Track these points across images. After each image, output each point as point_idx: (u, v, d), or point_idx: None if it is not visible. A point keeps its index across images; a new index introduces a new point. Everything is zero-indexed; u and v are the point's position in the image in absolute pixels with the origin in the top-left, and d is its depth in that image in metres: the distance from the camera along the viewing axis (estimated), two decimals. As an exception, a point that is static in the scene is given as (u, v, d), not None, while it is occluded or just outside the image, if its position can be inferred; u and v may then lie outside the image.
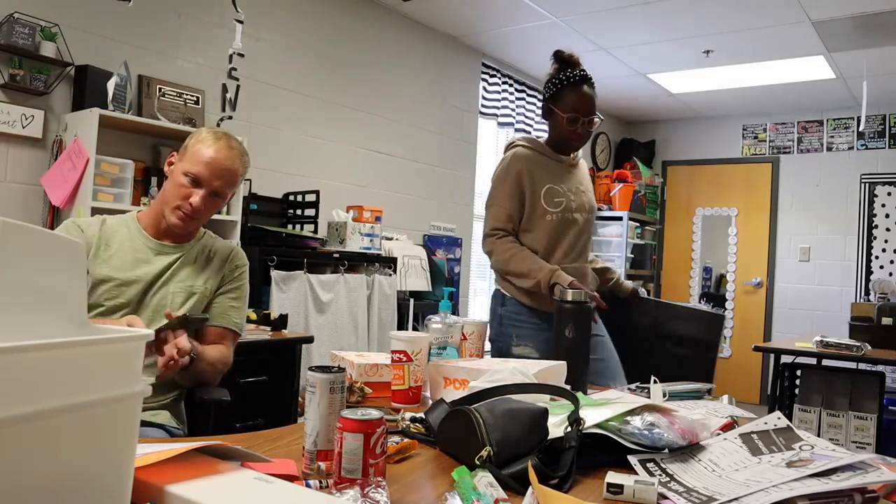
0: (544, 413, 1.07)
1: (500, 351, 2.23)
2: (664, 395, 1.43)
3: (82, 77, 2.89)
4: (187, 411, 1.73)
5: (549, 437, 1.05)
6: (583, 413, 1.08)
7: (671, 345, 2.31)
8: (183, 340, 1.41)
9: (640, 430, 1.07)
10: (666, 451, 1.06)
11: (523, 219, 2.21)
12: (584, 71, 2.22)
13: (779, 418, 1.15)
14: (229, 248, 1.78)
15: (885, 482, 0.89)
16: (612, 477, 0.94)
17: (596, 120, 2.22)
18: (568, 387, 1.53)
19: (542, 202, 2.18)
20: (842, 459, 0.94)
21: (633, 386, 1.70)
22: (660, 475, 0.99)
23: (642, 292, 2.47)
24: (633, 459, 1.03)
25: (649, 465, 1.03)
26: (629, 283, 2.46)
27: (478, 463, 0.96)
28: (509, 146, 2.32)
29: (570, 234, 2.22)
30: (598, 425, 1.08)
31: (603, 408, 1.15)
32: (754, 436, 1.12)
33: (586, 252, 2.32)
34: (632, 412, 1.10)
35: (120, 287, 1.58)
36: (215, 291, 1.72)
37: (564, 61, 2.24)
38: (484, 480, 0.90)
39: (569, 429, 1.05)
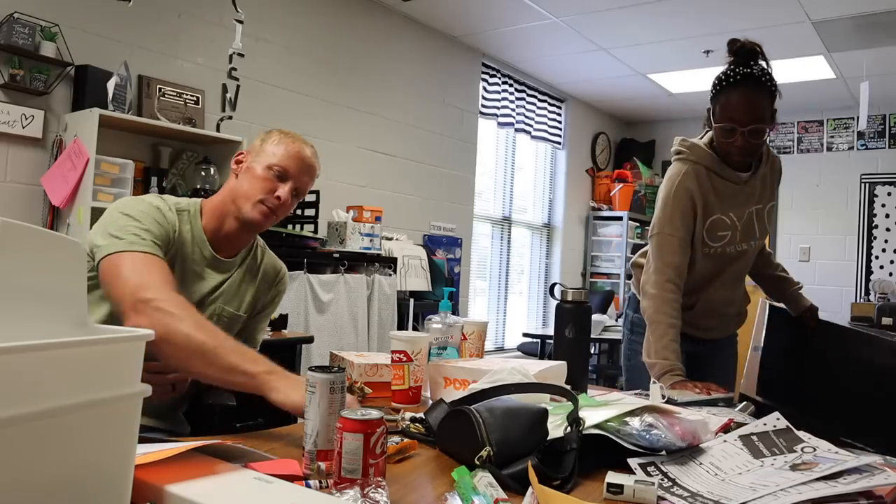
0: (544, 413, 1.06)
1: (630, 357, 2.05)
2: (663, 397, 1.42)
3: (82, 77, 2.90)
4: (192, 413, 1.73)
5: (549, 438, 1.05)
6: (582, 413, 1.08)
7: (848, 380, 1.83)
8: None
9: (638, 432, 1.06)
10: (664, 452, 1.05)
11: None
12: (750, 68, 1.74)
13: (777, 419, 1.14)
14: (276, 269, 1.66)
15: (892, 485, 0.88)
16: (612, 477, 0.94)
17: (762, 129, 1.76)
18: (568, 387, 1.53)
19: (704, 235, 1.86)
20: (847, 462, 0.94)
21: (639, 390, 1.68)
22: (661, 479, 0.98)
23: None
24: (633, 463, 1.02)
25: (649, 468, 1.01)
26: (806, 301, 2.04)
27: (477, 463, 0.96)
28: (678, 156, 1.91)
29: (730, 268, 1.93)
30: (596, 426, 1.07)
31: (603, 408, 1.14)
32: (754, 437, 1.11)
33: (743, 277, 2.02)
34: (631, 413, 1.10)
35: None
36: (252, 312, 1.63)
37: (735, 53, 1.78)
38: (484, 480, 0.90)
39: (568, 429, 1.04)
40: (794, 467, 0.97)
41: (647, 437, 1.05)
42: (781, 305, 2.08)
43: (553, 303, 1.87)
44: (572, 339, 1.69)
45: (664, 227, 1.84)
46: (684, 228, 1.83)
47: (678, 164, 1.89)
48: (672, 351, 1.76)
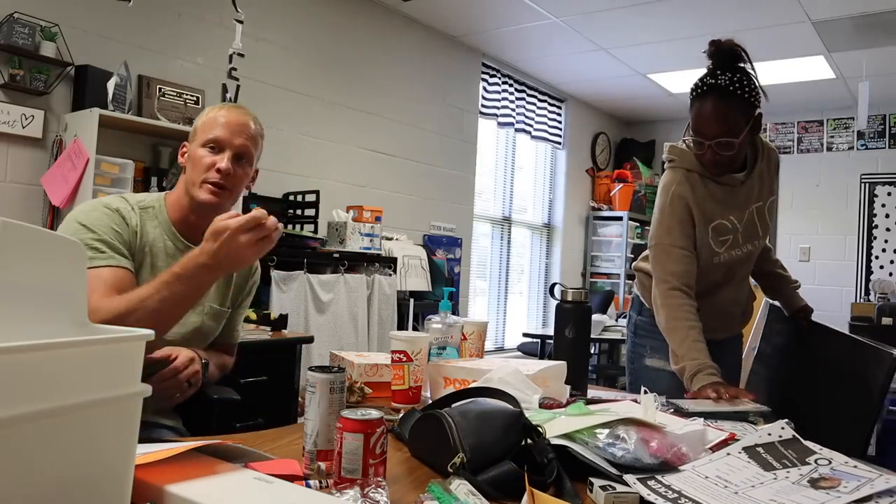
0: (519, 415, 1.03)
1: (633, 360, 2.03)
2: (656, 407, 1.25)
3: (82, 77, 2.90)
4: (194, 409, 1.73)
5: (523, 443, 1.00)
6: (557, 422, 1.05)
7: (824, 384, 1.76)
8: (190, 365, 1.38)
9: (603, 445, 0.99)
10: (634, 469, 0.98)
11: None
12: (716, 78, 1.68)
13: (783, 428, 1.06)
14: None
15: None
16: (594, 478, 0.95)
17: (731, 142, 1.68)
18: (568, 389, 1.52)
19: (710, 241, 1.81)
20: (874, 482, 0.87)
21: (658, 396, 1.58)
22: (665, 491, 0.91)
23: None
24: (630, 478, 0.95)
25: (650, 482, 0.94)
26: (801, 300, 2.00)
27: (451, 470, 0.92)
28: (670, 164, 1.87)
29: (732, 272, 1.89)
30: (565, 435, 1.02)
31: (582, 417, 1.08)
32: (760, 449, 1.02)
33: (747, 276, 1.98)
34: (606, 424, 1.03)
35: None
36: (233, 306, 1.66)
37: (712, 56, 1.72)
38: (463, 488, 0.88)
39: (530, 440, 1.00)
40: (813, 483, 0.91)
41: (610, 450, 0.99)
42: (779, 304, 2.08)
43: (553, 303, 1.87)
44: (572, 339, 1.69)
45: (662, 237, 1.80)
46: (683, 237, 1.78)
47: (671, 171, 1.85)
48: (699, 350, 1.66)
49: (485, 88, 5.37)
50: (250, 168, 1.52)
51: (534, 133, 5.90)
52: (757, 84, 1.71)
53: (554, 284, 1.84)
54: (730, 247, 1.83)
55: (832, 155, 6.13)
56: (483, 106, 5.36)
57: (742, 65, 1.71)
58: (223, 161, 1.44)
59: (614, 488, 0.91)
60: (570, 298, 1.73)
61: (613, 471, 0.97)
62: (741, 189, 1.83)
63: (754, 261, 1.96)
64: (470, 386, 1.28)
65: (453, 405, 1.12)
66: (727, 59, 1.70)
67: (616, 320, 5.01)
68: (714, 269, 1.85)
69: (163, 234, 1.47)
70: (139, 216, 1.45)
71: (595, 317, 4.59)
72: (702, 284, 1.82)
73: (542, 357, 4.71)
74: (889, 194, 5.87)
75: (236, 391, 1.70)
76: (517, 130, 5.73)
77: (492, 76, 5.41)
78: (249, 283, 1.68)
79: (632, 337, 2.08)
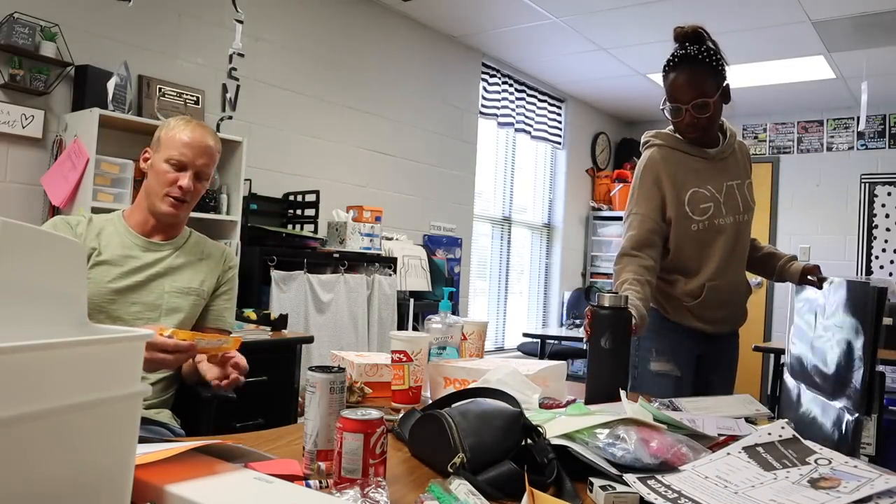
0: (519, 416, 1.03)
1: (637, 364, 1.98)
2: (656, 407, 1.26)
3: (82, 77, 2.89)
4: (191, 408, 1.73)
5: (522, 443, 1.00)
6: (556, 422, 1.05)
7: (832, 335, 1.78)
8: (242, 360, 1.46)
9: (603, 445, 1.00)
10: (634, 468, 0.98)
11: (670, 230, 1.92)
12: (684, 50, 1.87)
13: (783, 428, 1.06)
14: (221, 248, 1.79)
15: None
16: (594, 478, 0.95)
17: (706, 103, 1.82)
18: (571, 392, 1.52)
19: (686, 209, 1.89)
20: (874, 482, 0.87)
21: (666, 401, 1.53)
22: (665, 491, 0.91)
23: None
24: (630, 478, 0.95)
25: (650, 481, 0.94)
26: (799, 264, 2.06)
27: (450, 470, 0.93)
28: (644, 144, 2.01)
29: (721, 244, 1.92)
30: (564, 435, 1.02)
31: (581, 417, 1.08)
32: (760, 448, 1.02)
33: (743, 261, 2.02)
34: (606, 424, 1.03)
35: None
36: (212, 293, 1.73)
37: (676, 39, 1.92)
38: (463, 488, 0.88)
39: (530, 441, 1.00)
40: (813, 483, 0.91)
41: (610, 450, 0.99)
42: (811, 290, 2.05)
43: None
44: (609, 349, 1.48)
45: (631, 208, 1.94)
46: (646, 205, 1.90)
47: (645, 151, 1.99)
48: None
49: (485, 88, 5.37)
50: (206, 182, 1.68)
51: (534, 133, 5.90)
52: (721, 57, 1.87)
53: (590, 287, 1.80)
54: (712, 216, 1.91)
55: (832, 155, 6.13)
56: (483, 106, 5.36)
57: (707, 42, 1.88)
58: (185, 180, 1.60)
59: (614, 488, 0.91)
60: (606, 304, 1.51)
61: (613, 471, 0.97)
62: (714, 163, 1.95)
63: (742, 240, 1.98)
64: (470, 386, 1.28)
65: (453, 405, 1.12)
66: (691, 38, 1.89)
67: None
68: (695, 239, 1.90)
69: (117, 232, 1.64)
70: (89, 222, 1.62)
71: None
72: (687, 260, 1.91)
73: (542, 357, 4.71)
74: (889, 194, 5.87)
75: (234, 390, 1.70)
76: (517, 130, 5.73)
77: (492, 76, 5.41)
78: (223, 267, 1.77)
79: (636, 340, 2.02)
